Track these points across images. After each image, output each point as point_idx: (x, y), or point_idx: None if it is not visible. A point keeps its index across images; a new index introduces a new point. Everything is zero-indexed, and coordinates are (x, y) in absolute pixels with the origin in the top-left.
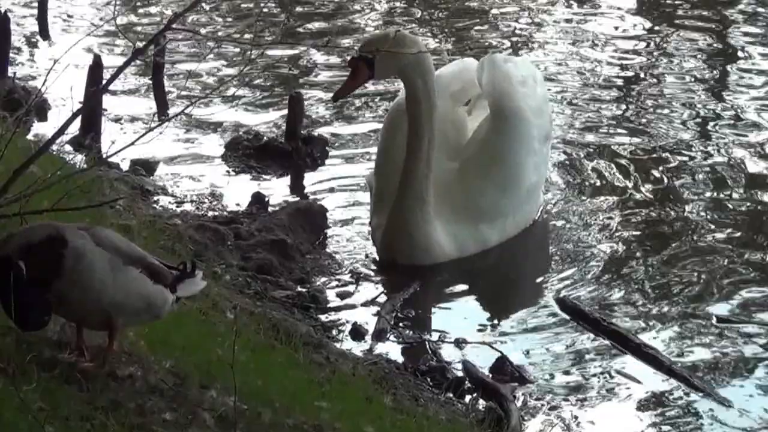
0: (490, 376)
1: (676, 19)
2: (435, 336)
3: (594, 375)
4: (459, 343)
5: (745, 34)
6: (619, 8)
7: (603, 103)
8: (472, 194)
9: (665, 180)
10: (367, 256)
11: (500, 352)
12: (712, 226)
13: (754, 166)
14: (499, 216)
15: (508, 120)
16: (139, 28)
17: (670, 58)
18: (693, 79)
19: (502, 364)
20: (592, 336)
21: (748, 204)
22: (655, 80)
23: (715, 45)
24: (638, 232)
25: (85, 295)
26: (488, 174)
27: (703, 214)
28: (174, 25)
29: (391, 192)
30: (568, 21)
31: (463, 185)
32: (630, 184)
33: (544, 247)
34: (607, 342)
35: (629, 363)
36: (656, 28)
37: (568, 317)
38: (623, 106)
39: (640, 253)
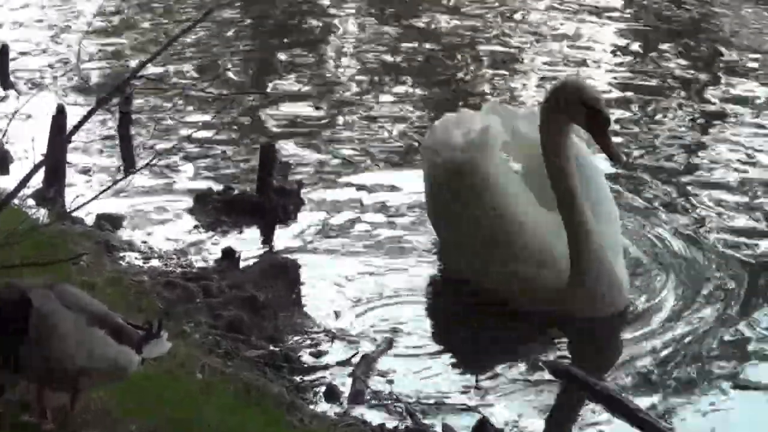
0: None
1: None
2: (413, 397)
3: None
4: (438, 404)
5: None
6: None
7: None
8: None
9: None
10: (336, 314)
11: (481, 414)
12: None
13: None
14: (620, 250)
15: (586, 160)
16: (105, 78)
17: None
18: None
19: (483, 427)
20: (584, 399)
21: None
22: None
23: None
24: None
25: (49, 356)
26: (600, 215)
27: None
28: (140, 74)
29: (538, 248)
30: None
31: None
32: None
33: None
34: (598, 406)
35: (624, 429)
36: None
37: (557, 379)
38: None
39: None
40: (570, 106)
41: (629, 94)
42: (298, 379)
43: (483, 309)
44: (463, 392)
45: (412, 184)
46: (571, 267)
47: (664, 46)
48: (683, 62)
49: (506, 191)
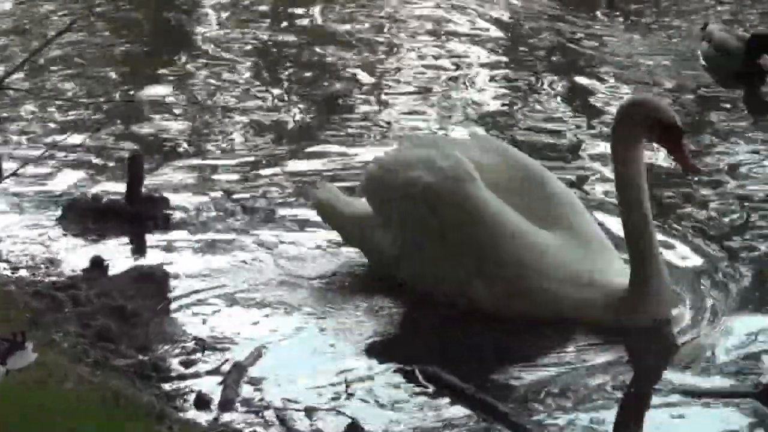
0: None
1: None
2: (283, 403)
3: None
4: (309, 410)
5: None
6: None
7: None
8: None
9: None
10: (205, 322)
11: (351, 418)
12: None
13: None
14: None
15: (548, 176)
16: None
17: None
18: None
19: (353, 431)
20: (455, 404)
21: None
22: None
23: None
24: None
25: None
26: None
27: None
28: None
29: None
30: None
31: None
32: None
33: None
34: (469, 411)
35: None
36: None
37: (429, 384)
38: None
39: None
40: (642, 123)
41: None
42: (167, 387)
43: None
44: (334, 398)
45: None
46: (634, 274)
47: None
48: None
49: (512, 216)
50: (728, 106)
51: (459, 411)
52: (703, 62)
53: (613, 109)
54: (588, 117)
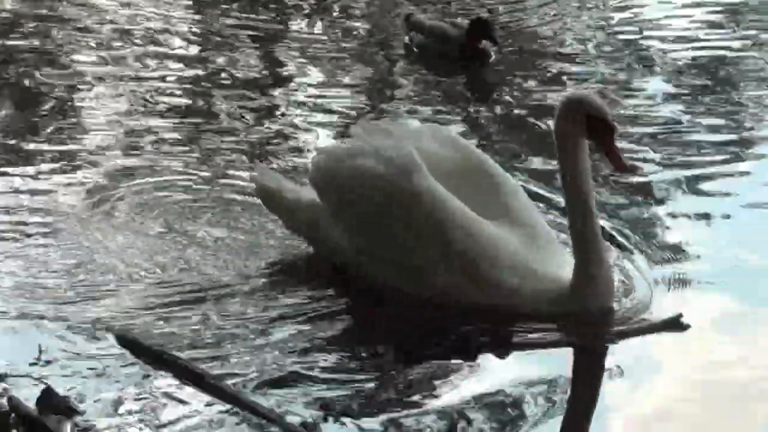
0: (37, 409)
1: None
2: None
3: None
4: (3, 376)
5: None
6: None
7: None
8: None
9: None
10: None
11: (46, 383)
12: None
13: None
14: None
15: (493, 167)
16: None
17: None
18: None
19: (48, 397)
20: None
21: None
22: None
23: None
24: None
25: None
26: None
27: None
28: None
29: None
30: None
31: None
32: None
33: None
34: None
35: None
36: None
37: (124, 347)
38: None
39: None
40: (578, 119)
41: None
42: None
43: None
44: (32, 363)
45: None
46: (578, 265)
47: None
48: None
49: (459, 207)
50: (456, 90)
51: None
52: (416, 50)
53: None
54: None
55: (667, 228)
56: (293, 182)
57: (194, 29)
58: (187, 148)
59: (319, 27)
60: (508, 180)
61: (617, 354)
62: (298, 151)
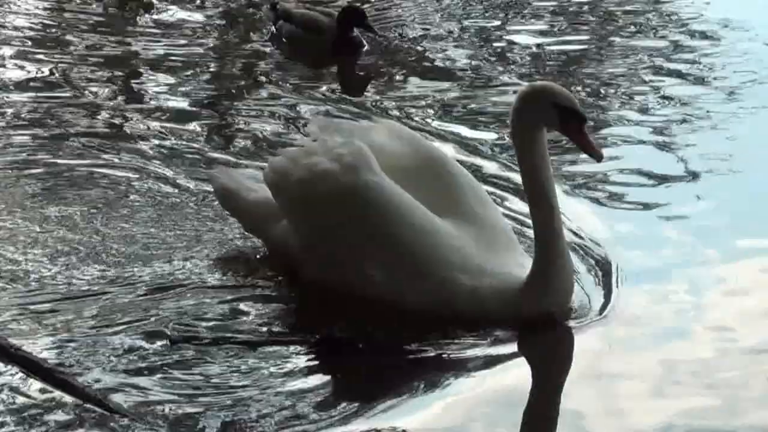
0: None
1: None
2: None
3: None
4: None
5: None
6: None
7: None
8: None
9: None
10: None
11: None
12: None
13: None
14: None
15: (452, 165)
16: None
17: None
18: None
19: None
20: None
21: None
22: None
23: None
24: None
25: None
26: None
27: None
28: None
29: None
30: None
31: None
32: None
33: None
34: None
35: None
36: None
37: None
38: None
39: None
40: (542, 109)
41: None
42: None
43: None
44: None
45: None
46: (537, 263)
47: None
48: None
49: (411, 204)
50: (330, 80)
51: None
52: (285, 40)
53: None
54: None
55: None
56: (253, 181)
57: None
58: None
59: (178, 16)
60: (468, 178)
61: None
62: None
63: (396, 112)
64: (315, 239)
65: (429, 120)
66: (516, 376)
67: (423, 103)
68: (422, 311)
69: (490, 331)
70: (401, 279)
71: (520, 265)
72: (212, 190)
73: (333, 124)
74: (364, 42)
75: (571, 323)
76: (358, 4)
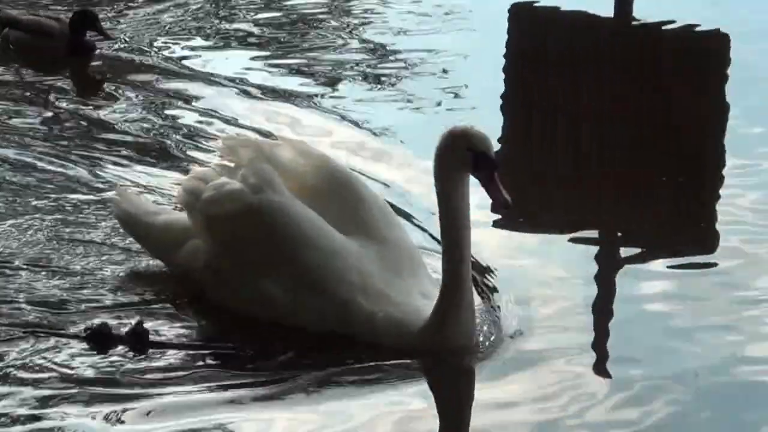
0: None
1: None
2: None
3: None
4: None
5: None
6: None
7: None
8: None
9: None
10: None
11: None
12: None
13: None
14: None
15: (360, 185)
16: None
17: None
18: None
19: None
20: None
21: None
22: None
23: None
24: None
25: None
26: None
27: None
28: None
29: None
30: None
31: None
32: None
33: None
34: None
35: None
36: None
37: None
38: None
39: None
40: (458, 152)
41: None
42: None
43: None
44: None
45: None
46: (439, 303)
47: None
48: None
49: (314, 223)
50: (66, 87)
51: None
52: (12, 47)
53: None
54: None
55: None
56: (153, 204)
57: None
58: None
59: None
60: (376, 198)
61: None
62: None
63: (134, 114)
64: (220, 259)
65: (164, 115)
66: (413, 405)
67: (161, 101)
68: (323, 333)
69: (392, 355)
70: (302, 299)
71: (423, 294)
72: (113, 215)
73: (240, 141)
74: (96, 45)
75: (473, 356)
76: (91, 8)
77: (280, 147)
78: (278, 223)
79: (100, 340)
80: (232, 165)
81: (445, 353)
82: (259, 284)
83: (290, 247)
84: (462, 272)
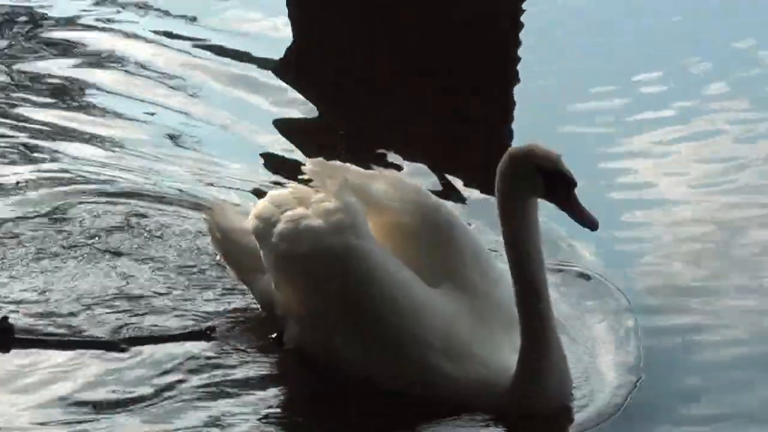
0: None
1: None
2: None
3: None
4: None
5: None
6: None
7: None
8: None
9: None
10: None
11: None
12: None
13: None
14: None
15: (458, 227)
16: None
17: None
18: None
19: None
20: None
21: None
22: None
23: None
24: None
25: None
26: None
27: None
28: None
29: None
30: None
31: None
32: None
33: None
34: None
35: None
36: None
37: None
38: None
39: None
40: (525, 176)
41: None
42: None
43: None
44: None
45: None
46: (522, 356)
47: None
48: None
49: (398, 275)
50: None
51: None
52: None
53: None
54: None
55: None
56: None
57: None
58: None
59: None
60: (474, 243)
61: None
62: None
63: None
64: (296, 300)
65: None
66: None
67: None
68: (399, 391)
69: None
70: (379, 357)
71: (515, 350)
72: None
73: (329, 166)
74: None
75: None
76: None
77: (372, 176)
78: (355, 271)
79: None
80: (316, 194)
81: (539, 415)
82: (334, 336)
83: (365, 300)
84: (543, 315)
